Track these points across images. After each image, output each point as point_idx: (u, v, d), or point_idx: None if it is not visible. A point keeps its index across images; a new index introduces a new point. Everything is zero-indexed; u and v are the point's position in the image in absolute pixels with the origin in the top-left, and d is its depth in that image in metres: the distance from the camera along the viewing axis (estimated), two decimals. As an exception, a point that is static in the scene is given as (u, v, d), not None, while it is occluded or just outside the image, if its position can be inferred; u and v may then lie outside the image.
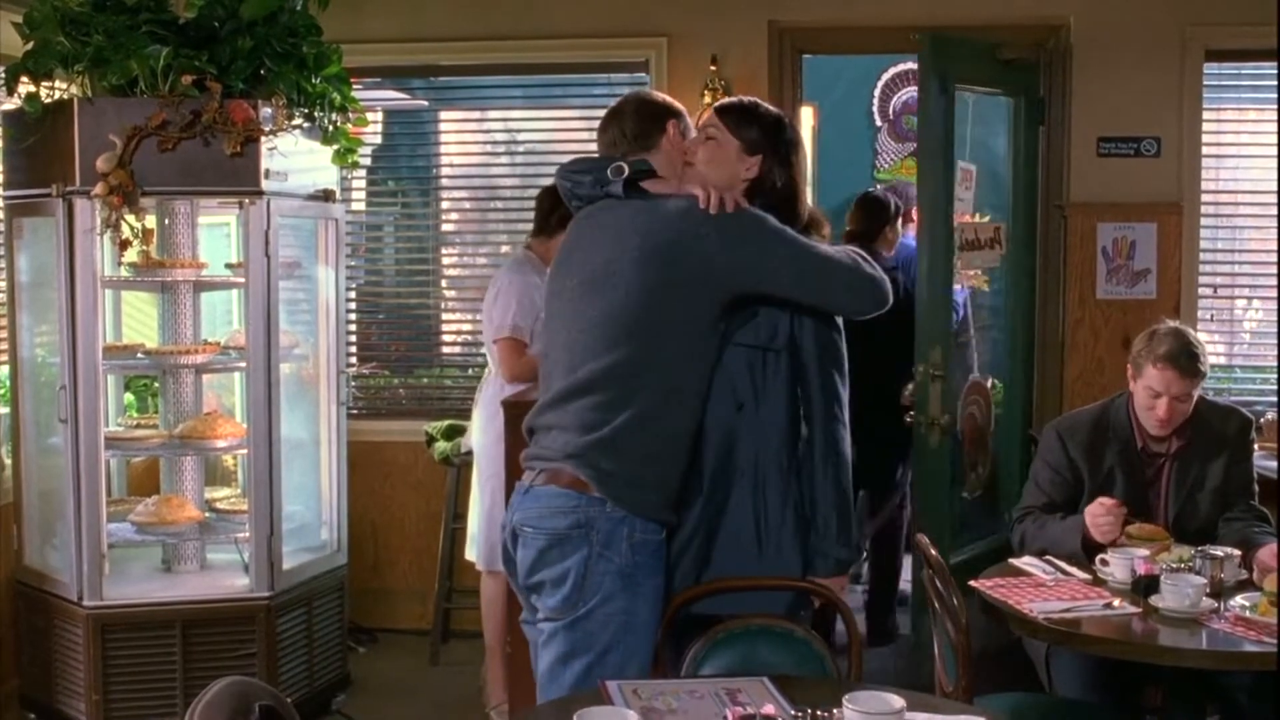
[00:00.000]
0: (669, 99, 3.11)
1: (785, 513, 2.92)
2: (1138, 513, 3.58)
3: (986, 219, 5.39)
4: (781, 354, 2.92)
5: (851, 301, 2.93)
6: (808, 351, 2.93)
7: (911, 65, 6.87)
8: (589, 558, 2.73)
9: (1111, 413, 3.74)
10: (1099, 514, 3.49)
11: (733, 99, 3.19)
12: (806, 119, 6.63)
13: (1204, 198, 5.51)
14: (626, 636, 2.75)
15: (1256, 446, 3.84)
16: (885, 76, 7.97)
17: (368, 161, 5.82)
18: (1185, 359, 3.55)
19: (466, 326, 6.15)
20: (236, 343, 4.65)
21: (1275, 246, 5.49)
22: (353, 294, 5.89)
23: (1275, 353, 5.63)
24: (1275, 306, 5.54)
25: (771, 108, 3.12)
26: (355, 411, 5.71)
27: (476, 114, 6.19)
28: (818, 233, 3.02)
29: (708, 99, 5.35)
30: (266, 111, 4.30)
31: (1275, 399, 5.45)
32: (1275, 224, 5.40)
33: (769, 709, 2.35)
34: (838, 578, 2.98)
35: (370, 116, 5.26)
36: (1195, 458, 3.66)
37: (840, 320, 3.00)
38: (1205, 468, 3.65)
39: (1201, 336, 3.77)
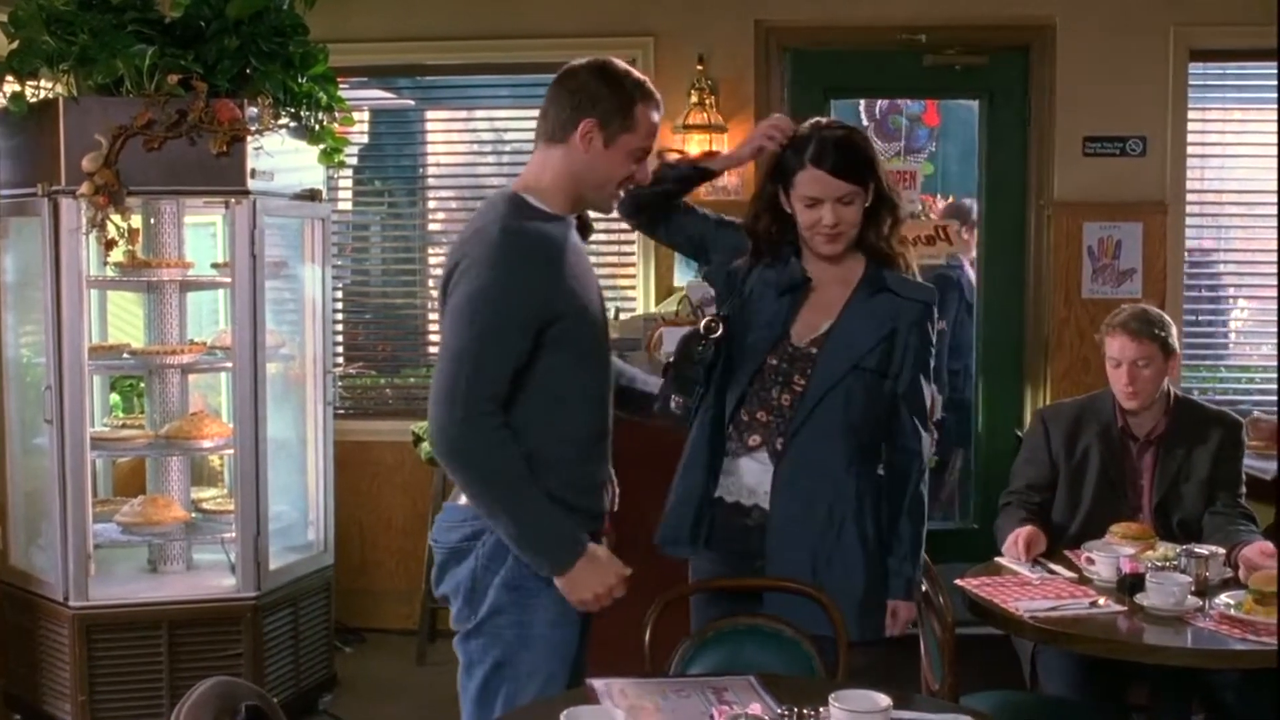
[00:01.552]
0: (607, 86, 2.65)
1: (879, 533, 2.95)
2: (1117, 496, 3.67)
3: (915, 218, 5.45)
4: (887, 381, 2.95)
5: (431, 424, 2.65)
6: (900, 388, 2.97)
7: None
8: (475, 570, 2.68)
9: (1098, 399, 3.81)
10: (1011, 540, 3.58)
11: None
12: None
13: (1190, 197, 5.51)
14: (522, 651, 2.66)
15: (1247, 446, 3.86)
16: (872, 76, 7.97)
17: (354, 161, 5.81)
18: (1136, 323, 3.64)
19: (454, 326, 6.13)
20: (223, 342, 4.64)
21: (1274, 246, 5.47)
22: (339, 294, 5.87)
23: (1263, 352, 5.64)
24: (1275, 306, 5.51)
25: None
26: (342, 411, 5.69)
27: (463, 113, 6.19)
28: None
29: (694, 99, 5.36)
30: (252, 111, 4.29)
31: (1260, 398, 5.46)
32: (1274, 223, 5.37)
33: (755, 708, 2.35)
34: (908, 602, 3.00)
35: (356, 116, 5.25)
36: (1180, 444, 3.69)
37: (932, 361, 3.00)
38: (1191, 457, 3.67)
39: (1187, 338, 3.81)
